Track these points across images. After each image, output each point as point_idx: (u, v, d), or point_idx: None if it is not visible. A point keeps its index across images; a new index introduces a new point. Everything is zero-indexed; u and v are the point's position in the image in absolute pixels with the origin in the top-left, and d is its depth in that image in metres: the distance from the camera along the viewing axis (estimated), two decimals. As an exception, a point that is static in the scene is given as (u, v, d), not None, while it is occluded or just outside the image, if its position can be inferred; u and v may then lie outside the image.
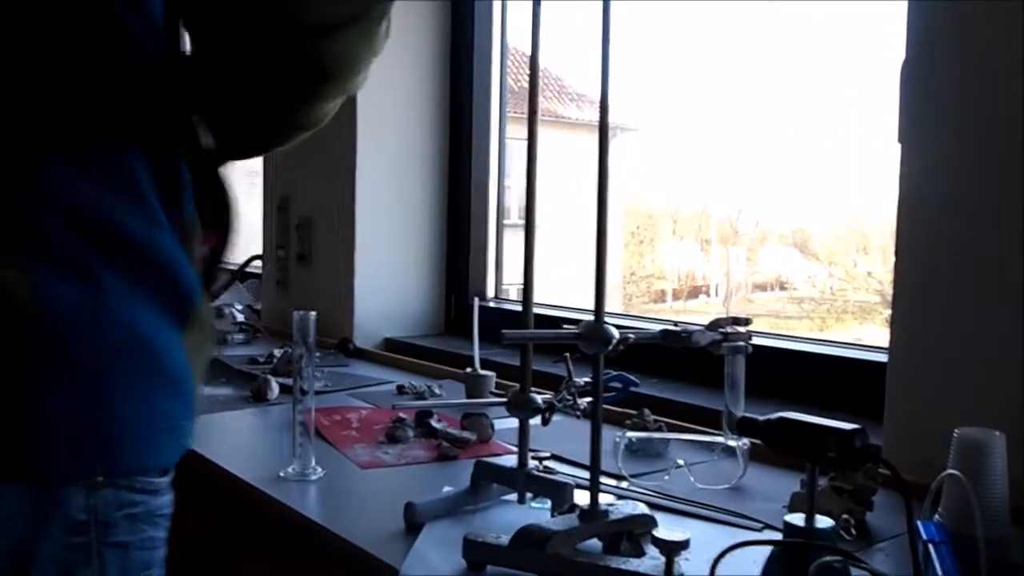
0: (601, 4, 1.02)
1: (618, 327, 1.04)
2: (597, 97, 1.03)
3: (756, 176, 3.27)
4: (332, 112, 0.91)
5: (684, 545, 0.91)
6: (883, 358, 1.38)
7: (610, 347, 1.00)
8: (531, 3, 1.11)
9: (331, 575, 1.18)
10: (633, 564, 0.94)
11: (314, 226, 2.67)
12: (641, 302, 4.67)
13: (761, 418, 0.99)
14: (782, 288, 3.93)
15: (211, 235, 0.87)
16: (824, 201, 3.06)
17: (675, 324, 1.13)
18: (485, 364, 1.88)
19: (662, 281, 4.78)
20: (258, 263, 2.99)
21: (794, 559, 0.92)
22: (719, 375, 1.40)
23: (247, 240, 4.38)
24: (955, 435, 1.07)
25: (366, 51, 0.84)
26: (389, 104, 2.48)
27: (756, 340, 1.32)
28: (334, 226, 2.56)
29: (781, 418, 0.96)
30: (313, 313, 1.35)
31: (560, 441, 1.44)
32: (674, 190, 4.36)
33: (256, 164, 3.03)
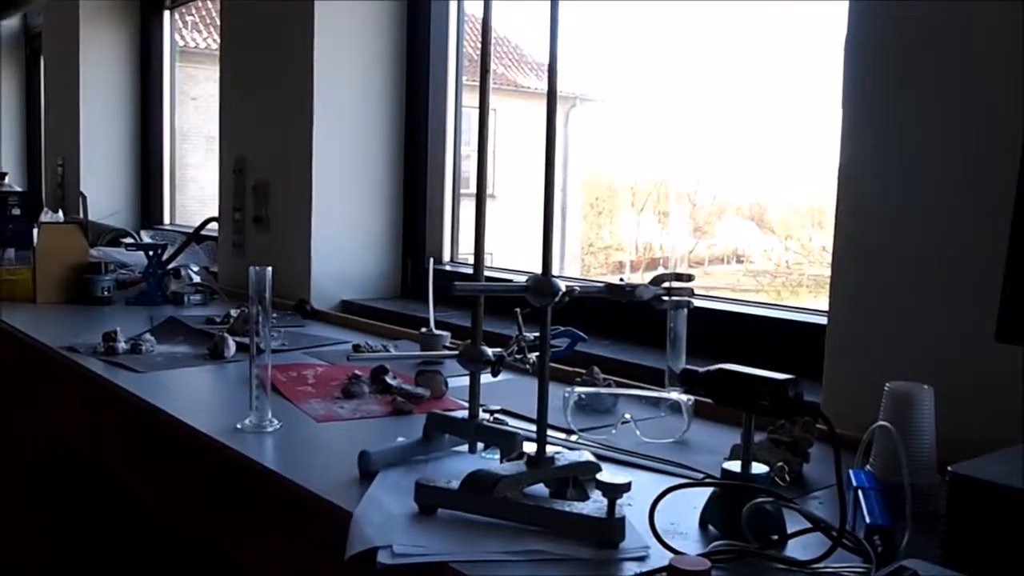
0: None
1: (567, 284, 1.07)
2: (543, 60, 1.05)
3: (714, 150, 3.31)
4: None
5: (626, 488, 0.95)
6: (824, 321, 1.43)
7: (556, 299, 1.03)
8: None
9: (288, 521, 1.21)
10: (577, 507, 0.98)
11: (271, 189, 2.68)
12: (599, 273, 4.72)
13: (701, 370, 1.03)
14: (739, 261, 4.00)
15: None
16: (781, 176, 3.11)
17: (620, 279, 1.17)
18: (440, 325, 1.92)
19: (620, 252, 4.83)
20: (214, 225, 2.99)
21: (730, 502, 0.97)
22: (665, 337, 1.45)
23: (203, 204, 4.37)
24: (886, 389, 1.12)
25: None
26: (346, 67, 2.49)
27: (703, 303, 1.36)
28: (291, 189, 2.57)
29: (720, 369, 1.00)
30: (269, 269, 1.37)
31: (510, 397, 1.48)
32: (633, 162, 4.40)
33: (213, 128, 3.02)
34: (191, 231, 3.09)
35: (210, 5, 4.76)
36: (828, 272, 1.41)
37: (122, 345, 1.87)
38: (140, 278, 2.67)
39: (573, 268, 4.31)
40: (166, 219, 4.05)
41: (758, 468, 1.00)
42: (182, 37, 5.72)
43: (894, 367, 1.27)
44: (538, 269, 1.07)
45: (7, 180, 3.89)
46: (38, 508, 2.15)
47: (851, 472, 1.07)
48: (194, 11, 5.85)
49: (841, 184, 1.37)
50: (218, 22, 3.12)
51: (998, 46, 1.19)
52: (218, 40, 3.07)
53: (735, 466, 1.00)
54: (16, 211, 3.30)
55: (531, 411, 1.27)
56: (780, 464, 1.14)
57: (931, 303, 1.27)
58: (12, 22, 5.50)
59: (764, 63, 2.84)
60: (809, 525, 0.95)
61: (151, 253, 2.60)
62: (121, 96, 4.05)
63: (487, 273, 1.20)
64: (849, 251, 1.37)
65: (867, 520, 0.95)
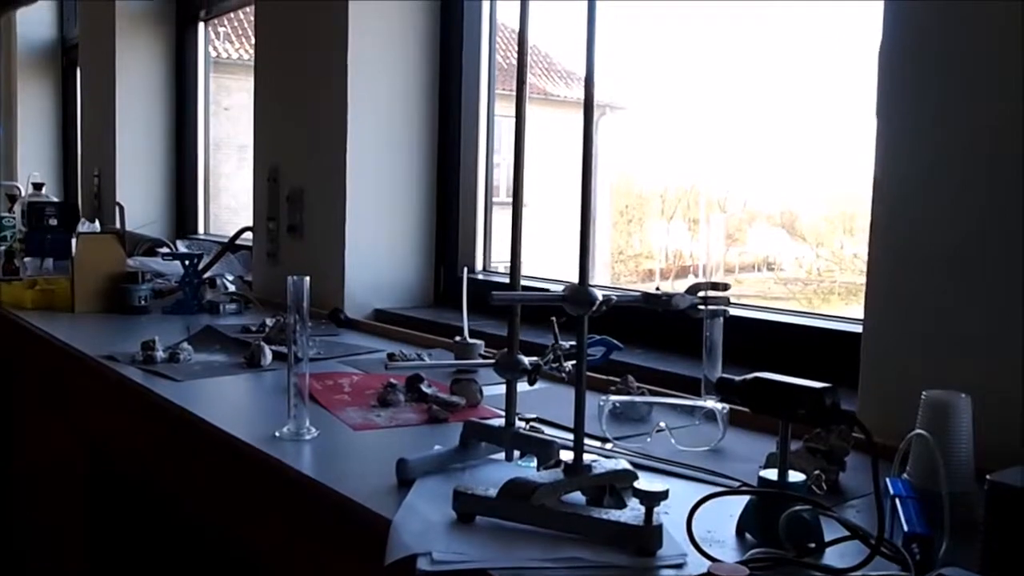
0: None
1: (604, 292, 1.08)
2: (573, 68, 1.06)
3: (745, 157, 3.30)
4: None
5: (663, 496, 0.95)
6: (860, 330, 1.43)
7: (593, 308, 1.04)
8: (522, -22, 1.14)
9: (326, 528, 1.22)
10: (614, 515, 0.99)
11: (305, 198, 2.70)
12: (629, 281, 4.70)
13: (738, 378, 1.03)
14: (769, 269, 3.97)
15: None
16: (812, 182, 3.09)
17: (657, 288, 1.17)
18: (473, 334, 1.93)
19: (650, 260, 4.82)
20: (249, 235, 3.02)
21: (767, 510, 0.97)
22: (701, 345, 1.45)
23: (235, 213, 4.42)
24: (923, 397, 1.12)
25: None
26: (380, 77, 2.52)
27: (738, 312, 1.36)
28: (324, 197, 2.59)
29: (756, 378, 1.00)
30: (307, 278, 1.38)
31: (546, 406, 1.49)
32: (663, 170, 4.38)
33: (246, 139, 3.06)
34: (225, 240, 3.13)
35: (243, 16, 4.81)
36: (859, 279, 1.41)
37: (160, 354, 1.90)
38: (176, 287, 2.70)
39: (603, 276, 4.30)
40: (200, 228, 4.10)
41: (795, 476, 1.00)
42: (215, 48, 5.79)
43: (930, 375, 1.26)
44: (569, 277, 1.07)
45: (44, 191, 3.94)
46: (75, 516, 2.18)
47: (888, 480, 1.07)
48: (227, 22, 5.92)
49: (876, 192, 1.37)
50: (251, 33, 3.16)
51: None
52: (250, 51, 3.11)
53: (772, 474, 1.00)
54: (54, 221, 3.35)
55: (566, 419, 1.28)
56: (817, 472, 1.14)
57: (967, 310, 1.27)
58: (49, 33, 5.58)
59: (794, 69, 2.82)
60: (847, 533, 0.95)
61: (187, 263, 2.63)
62: (156, 107, 4.10)
63: (522, 282, 1.21)
64: (884, 258, 1.37)
65: (905, 528, 0.95)
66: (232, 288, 2.75)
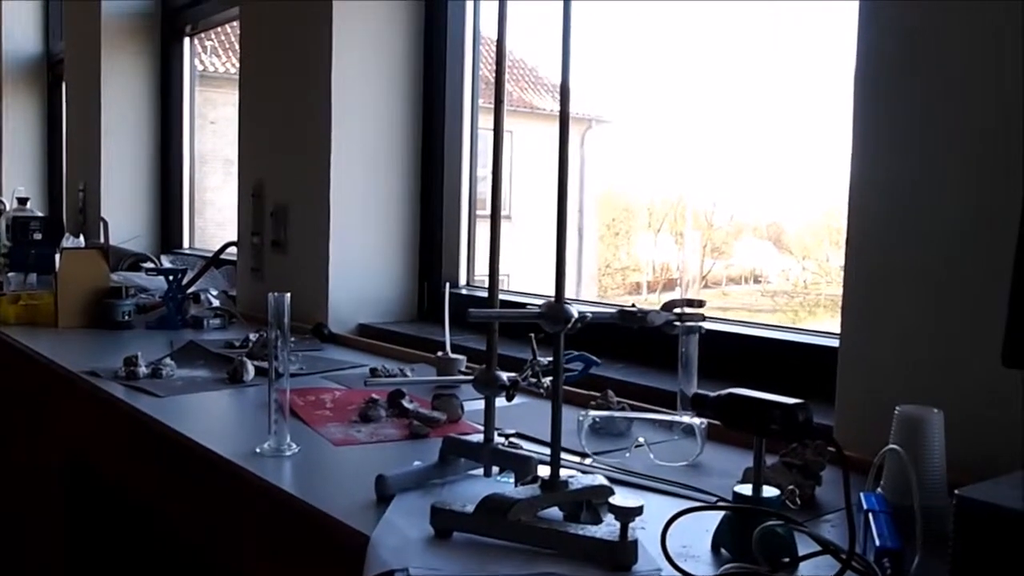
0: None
1: (579, 310, 1.09)
2: (572, 87, 1.07)
3: (731, 170, 3.32)
4: None
5: (638, 511, 0.96)
6: (836, 343, 1.44)
7: (569, 325, 1.05)
8: (499, -2, 1.16)
9: (306, 544, 1.22)
10: (590, 531, 1.00)
11: (289, 213, 2.71)
12: (616, 294, 4.72)
13: (712, 394, 1.04)
14: (756, 281, 3.99)
15: None
16: (798, 195, 3.11)
17: (632, 305, 1.18)
18: (456, 349, 1.93)
19: (637, 273, 4.84)
20: (233, 250, 3.02)
21: (741, 525, 0.98)
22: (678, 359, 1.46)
23: (221, 227, 4.41)
24: (896, 412, 1.13)
25: None
26: (363, 92, 2.53)
27: (715, 326, 1.37)
28: (309, 214, 2.60)
29: (730, 394, 1.01)
30: (287, 295, 1.39)
31: (525, 421, 1.49)
32: (649, 183, 4.41)
33: (232, 153, 3.06)
34: (210, 255, 3.13)
35: (229, 30, 4.82)
36: (843, 291, 1.42)
37: (143, 369, 1.90)
38: (160, 302, 2.70)
39: (590, 289, 4.32)
40: (185, 243, 4.10)
41: (769, 491, 1.01)
42: (201, 61, 5.80)
43: (905, 390, 1.28)
44: (553, 292, 1.08)
45: (29, 205, 3.94)
46: (58, 532, 2.18)
47: (862, 495, 1.08)
48: (213, 36, 5.93)
49: (851, 206, 1.39)
50: (237, 47, 3.17)
51: (1016, 63, 1.20)
52: (237, 64, 3.11)
53: (747, 489, 1.01)
54: (38, 236, 3.34)
55: (545, 434, 1.28)
56: (791, 487, 1.15)
57: (942, 326, 1.28)
58: (35, 48, 5.58)
59: (779, 82, 2.85)
60: (819, 548, 0.96)
61: (171, 278, 2.63)
62: (141, 121, 4.10)
63: (502, 297, 1.22)
64: (859, 273, 1.38)
65: (877, 543, 0.96)
66: (216, 303, 2.76)
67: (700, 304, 1.27)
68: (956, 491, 0.91)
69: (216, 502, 1.47)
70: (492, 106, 2.67)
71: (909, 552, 0.97)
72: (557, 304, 1.05)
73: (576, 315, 1.05)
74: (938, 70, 1.28)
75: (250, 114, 2.96)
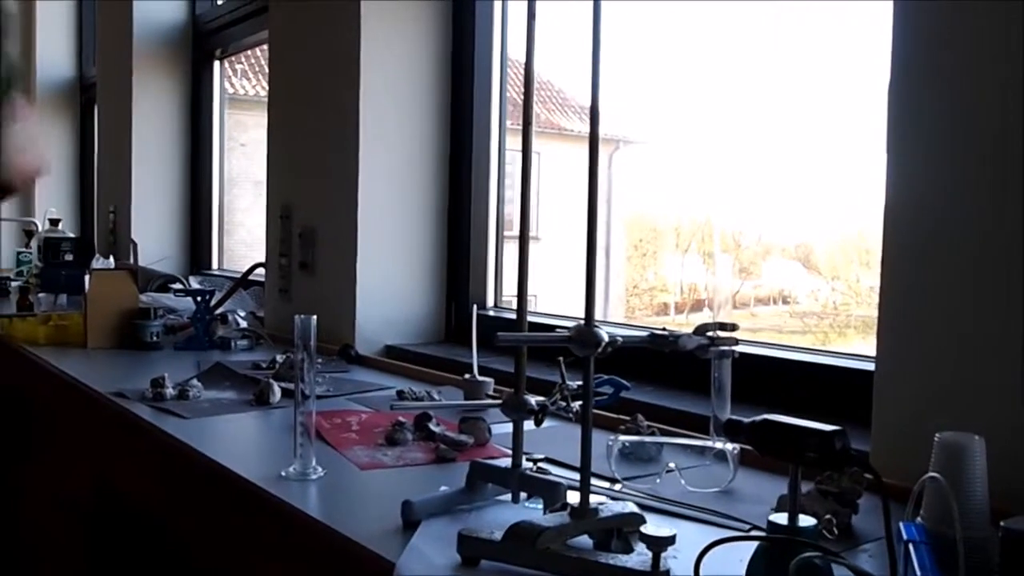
0: (592, 14, 1.05)
1: (609, 333, 1.07)
2: (586, 103, 1.06)
3: (759, 190, 3.29)
4: None
5: (670, 541, 0.94)
6: (871, 367, 1.41)
7: (599, 349, 1.03)
8: (526, 19, 1.15)
9: (330, 570, 1.21)
10: (621, 560, 0.97)
11: (317, 235, 2.71)
12: (644, 315, 4.69)
13: (746, 420, 1.02)
14: (784, 302, 3.95)
15: None
16: (828, 215, 3.08)
17: (663, 329, 1.16)
18: (483, 371, 1.92)
19: (665, 294, 4.80)
20: (261, 271, 3.03)
21: (777, 556, 0.95)
22: (711, 383, 1.43)
23: (251, 248, 4.43)
24: (936, 439, 1.10)
25: None
26: (391, 114, 2.53)
27: (747, 350, 1.35)
28: (336, 235, 2.60)
29: (765, 420, 0.99)
30: (314, 317, 1.38)
31: (554, 445, 1.47)
32: (677, 203, 4.38)
33: (260, 173, 3.07)
34: (238, 276, 3.13)
35: (260, 53, 4.86)
36: (876, 313, 1.39)
37: (170, 391, 1.90)
38: (188, 323, 2.70)
39: (618, 310, 4.29)
40: (214, 264, 4.11)
41: (805, 520, 0.98)
42: (231, 84, 5.85)
43: (943, 415, 1.25)
44: (582, 314, 1.06)
45: (61, 226, 3.97)
46: (79, 552, 2.17)
47: (901, 524, 1.05)
48: (243, 59, 5.98)
49: (887, 223, 1.36)
50: (267, 70, 3.19)
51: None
52: (266, 87, 3.13)
53: (782, 518, 0.98)
54: (69, 257, 3.37)
55: (575, 459, 1.26)
56: (828, 516, 1.12)
57: (981, 348, 1.25)
58: (68, 72, 5.65)
59: (808, 102, 2.82)
60: (859, 580, 0.93)
61: (199, 299, 2.63)
62: (172, 144, 4.13)
63: (530, 320, 1.20)
64: (896, 295, 1.35)
65: (918, 575, 0.93)
66: (244, 324, 2.76)
67: (733, 328, 1.24)
68: (1002, 523, 0.88)
69: (241, 525, 1.46)
70: (519, 127, 2.67)
71: (952, 584, 0.94)
72: (587, 328, 1.03)
73: (607, 339, 1.03)
74: (975, 83, 1.26)
75: (278, 136, 2.97)
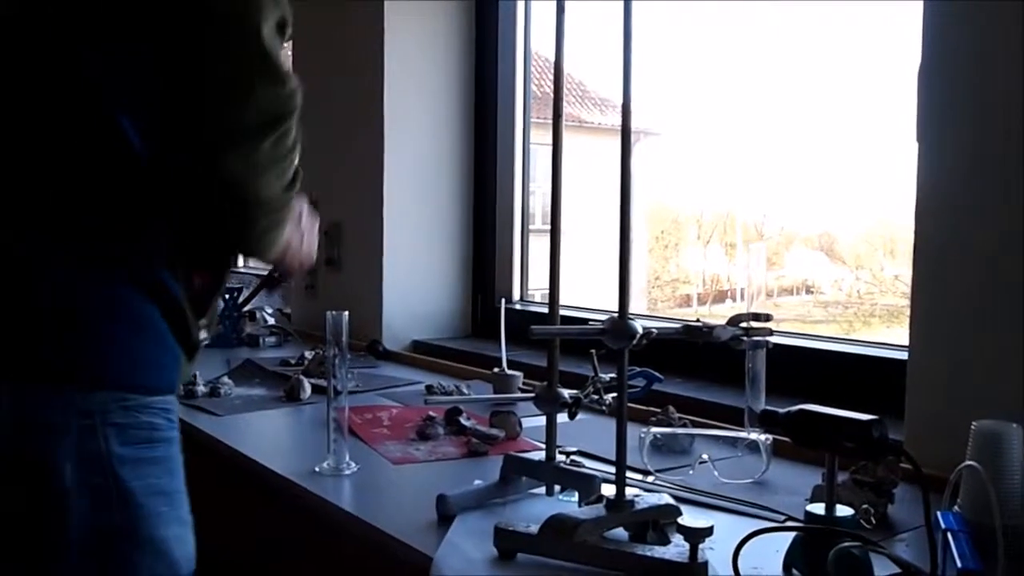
0: (623, 9, 1.05)
1: (644, 325, 1.07)
2: (620, 101, 1.06)
3: (781, 179, 3.27)
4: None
5: (708, 532, 0.94)
6: (904, 356, 1.40)
7: (634, 341, 1.03)
8: (555, 10, 1.15)
9: (366, 565, 1.21)
10: (659, 551, 0.97)
11: (343, 231, 2.72)
12: (666, 306, 4.68)
13: (782, 411, 1.02)
14: (808, 292, 3.93)
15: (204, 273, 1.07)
16: (850, 204, 3.06)
17: (697, 320, 1.16)
18: (511, 365, 1.92)
19: (687, 286, 4.79)
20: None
21: (815, 546, 0.96)
22: (742, 374, 1.43)
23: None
24: (972, 428, 1.09)
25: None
26: (416, 110, 2.53)
27: (778, 340, 1.34)
28: (362, 231, 2.60)
29: (801, 410, 0.99)
30: (346, 313, 1.39)
31: (586, 438, 1.48)
32: (698, 194, 4.36)
33: (285, 171, 3.08)
34: (265, 273, 3.14)
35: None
36: (901, 302, 1.38)
37: (201, 388, 1.91)
38: (216, 321, 2.72)
39: (640, 302, 4.28)
40: (240, 261, 4.12)
41: (843, 511, 0.98)
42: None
43: (980, 403, 1.24)
44: (605, 303, 1.07)
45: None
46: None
47: (939, 514, 1.05)
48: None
49: (919, 215, 1.35)
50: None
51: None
52: (288, 85, 3.13)
53: (819, 509, 0.99)
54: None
55: (607, 452, 1.27)
56: (865, 506, 1.12)
57: (1016, 334, 1.24)
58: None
59: (829, 90, 2.81)
60: (898, 570, 0.93)
61: (227, 296, 2.65)
62: (195, 142, 4.14)
63: (560, 311, 1.20)
64: (928, 284, 1.35)
65: (958, 564, 0.93)
66: (271, 321, 2.77)
67: (767, 318, 1.24)
68: (1043, 510, 0.87)
69: (275, 521, 1.47)
70: (541, 120, 2.66)
71: (991, 572, 0.93)
72: (621, 320, 1.04)
73: (641, 331, 1.03)
74: (1009, 69, 1.25)
75: (303, 133, 2.97)
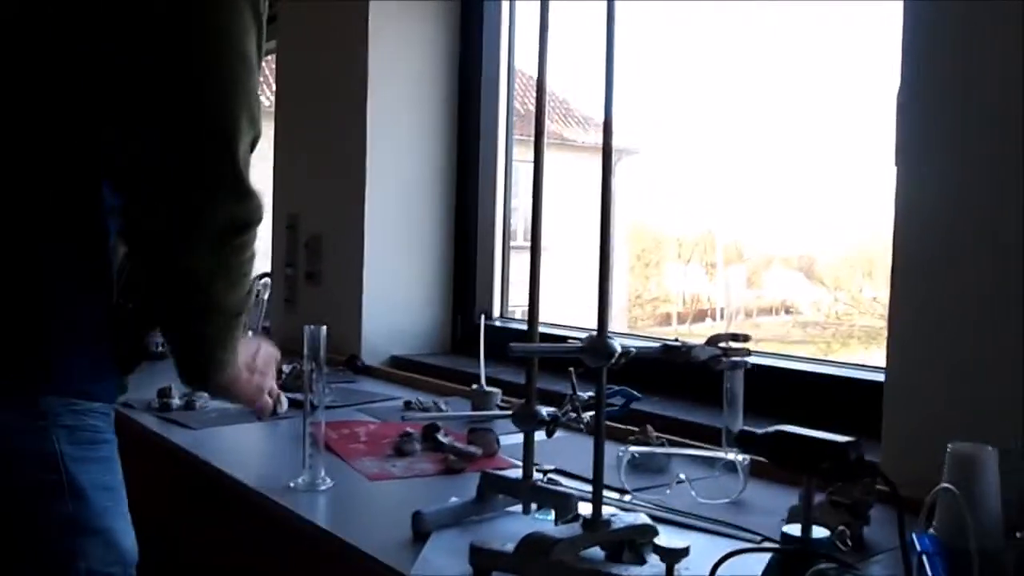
0: (605, 25, 1.06)
1: (623, 344, 1.07)
2: (602, 119, 1.06)
3: (761, 200, 3.29)
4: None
5: (684, 553, 0.93)
6: (881, 378, 1.41)
7: (612, 360, 1.03)
8: (538, 28, 1.15)
9: (340, 582, 1.20)
10: (635, 571, 0.97)
11: (323, 245, 2.71)
12: (646, 325, 4.68)
13: (759, 431, 1.01)
14: (787, 312, 3.94)
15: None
16: (830, 226, 3.08)
17: (676, 340, 1.16)
18: (490, 382, 1.92)
19: (667, 304, 4.80)
20: (267, 280, 3.02)
21: (791, 567, 0.95)
22: (720, 394, 1.43)
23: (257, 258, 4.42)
24: (948, 450, 1.10)
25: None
26: (398, 125, 2.53)
27: (757, 360, 1.35)
28: (343, 245, 2.60)
29: (778, 431, 0.99)
30: (324, 327, 1.38)
31: (563, 456, 1.47)
32: (679, 213, 4.38)
33: (266, 182, 3.07)
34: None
35: (264, 64, 4.87)
36: (879, 323, 1.39)
37: (176, 401, 1.89)
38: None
39: (620, 321, 4.28)
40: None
41: (819, 532, 0.98)
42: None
43: (955, 425, 1.24)
44: (585, 322, 1.06)
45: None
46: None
47: (914, 536, 1.05)
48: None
49: (897, 238, 1.36)
50: (271, 80, 3.19)
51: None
52: (271, 97, 3.13)
53: (795, 530, 0.98)
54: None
55: (584, 471, 1.26)
56: (841, 528, 1.12)
57: (993, 358, 1.25)
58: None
59: (809, 112, 2.83)
60: (873, 592, 0.93)
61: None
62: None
63: (539, 329, 1.20)
64: (906, 306, 1.35)
65: (933, 587, 0.93)
66: (249, 334, 2.75)
67: (745, 339, 1.24)
68: (1018, 534, 0.87)
69: (249, 537, 1.45)
70: (524, 137, 2.66)
71: (966, 597, 0.93)
72: (600, 339, 1.03)
73: (620, 350, 1.03)
74: (987, 92, 1.26)
75: (285, 146, 2.97)
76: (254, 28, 1.04)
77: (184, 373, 1.18)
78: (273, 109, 3.05)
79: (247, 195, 1.05)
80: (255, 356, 1.33)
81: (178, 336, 1.13)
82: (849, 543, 1.12)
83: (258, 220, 1.09)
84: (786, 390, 1.69)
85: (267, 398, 1.38)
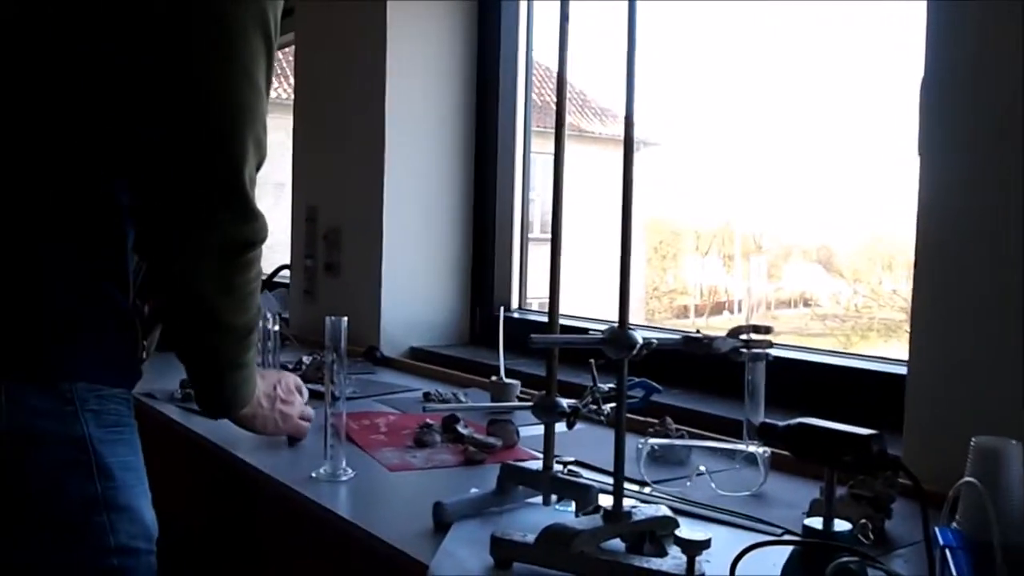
0: (627, 19, 1.05)
1: (644, 336, 1.07)
2: (621, 111, 1.06)
3: (780, 192, 3.28)
4: None
5: (705, 545, 0.93)
6: (903, 371, 1.40)
7: (634, 351, 1.03)
8: (558, 19, 1.15)
9: (361, 572, 1.21)
10: (655, 563, 0.97)
11: (342, 236, 2.72)
12: (664, 317, 4.67)
13: (781, 424, 1.01)
14: (806, 305, 3.93)
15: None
16: (849, 218, 3.07)
17: (697, 331, 1.16)
18: (509, 373, 1.91)
19: (685, 296, 4.78)
20: (286, 272, 3.03)
21: (812, 561, 0.95)
22: (740, 386, 1.43)
23: (272, 250, 4.44)
24: (972, 444, 1.09)
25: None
26: (417, 117, 2.53)
27: (778, 352, 1.34)
28: (362, 237, 2.60)
29: (800, 423, 0.98)
30: (345, 319, 1.38)
31: (584, 448, 1.47)
32: (697, 205, 4.37)
33: (284, 175, 3.08)
34: (263, 278, 3.14)
35: (281, 56, 4.87)
36: (899, 316, 1.38)
37: (198, 392, 1.90)
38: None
39: (638, 313, 4.27)
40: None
41: (841, 525, 0.98)
42: (254, 87, 5.83)
43: (979, 418, 1.24)
44: (603, 313, 1.06)
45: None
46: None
47: (937, 530, 1.04)
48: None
49: (920, 230, 1.35)
50: (290, 72, 3.20)
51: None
52: (290, 90, 3.14)
53: (817, 523, 0.98)
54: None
55: (605, 462, 1.26)
56: (863, 521, 1.11)
57: (1016, 352, 1.24)
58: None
59: (829, 104, 2.81)
60: (896, 585, 0.93)
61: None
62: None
63: (559, 321, 1.19)
64: (929, 299, 1.35)
65: (956, 581, 0.93)
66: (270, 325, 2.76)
67: (767, 331, 1.24)
68: (1043, 528, 0.87)
69: (271, 526, 1.46)
70: (544, 129, 2.66)
71: (989, 590, 0.93)
72: (622, 330, 1.03)
73: (641, 342, 1.02)
74: (1012, 81, 1.25)
75: (304, 139, 2.98)
76: (263, 51, 1.07)
77: (204, 402, 1.26)
78: (292, 102, 3.06)
79: (253, 216, 1.10)
80: (276, 386, 1.43)
81: (191, 357, 1.20)
82: (871, 536, 1.11)
83: (262, 240, 1.14)
84: (807, 383, 1.69)
85: (299, 422, 1.48)
